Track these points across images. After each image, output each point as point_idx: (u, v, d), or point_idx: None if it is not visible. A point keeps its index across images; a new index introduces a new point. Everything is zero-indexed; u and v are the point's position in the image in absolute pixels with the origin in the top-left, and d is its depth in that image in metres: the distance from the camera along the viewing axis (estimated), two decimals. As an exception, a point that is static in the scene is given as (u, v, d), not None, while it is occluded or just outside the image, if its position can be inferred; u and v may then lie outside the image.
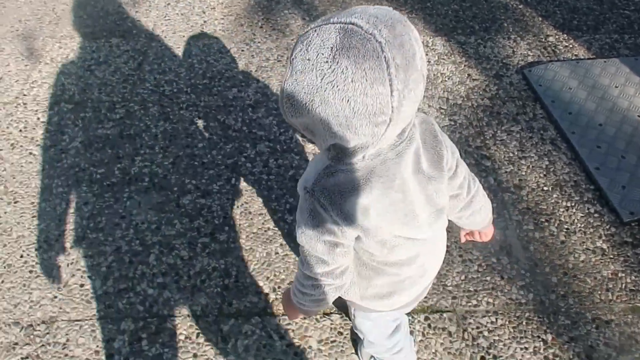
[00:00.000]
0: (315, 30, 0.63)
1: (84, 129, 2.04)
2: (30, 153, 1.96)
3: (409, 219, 0.82)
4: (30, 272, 1.62)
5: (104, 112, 2.10)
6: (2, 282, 1.60)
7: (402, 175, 0.77)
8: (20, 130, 2.04)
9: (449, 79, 2.24)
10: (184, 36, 2.47)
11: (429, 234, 0.88)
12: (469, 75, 2.25)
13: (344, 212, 0.76)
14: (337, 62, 0.60)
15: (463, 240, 1.15)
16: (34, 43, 2.44)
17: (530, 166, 1.87)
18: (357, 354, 1.41)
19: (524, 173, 1.85)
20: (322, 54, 0.61)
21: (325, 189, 0.76)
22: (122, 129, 2.04)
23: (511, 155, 1.91)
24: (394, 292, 0.95)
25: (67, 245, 1.68)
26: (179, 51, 2.39)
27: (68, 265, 1.63)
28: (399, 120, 0.66)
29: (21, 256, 1.66)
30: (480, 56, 2.36)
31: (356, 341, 1.41)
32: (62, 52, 2.39)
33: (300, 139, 1.99)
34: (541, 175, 1.84)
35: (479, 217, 1.03)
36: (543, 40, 2.44)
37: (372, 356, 1.32)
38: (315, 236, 0.80)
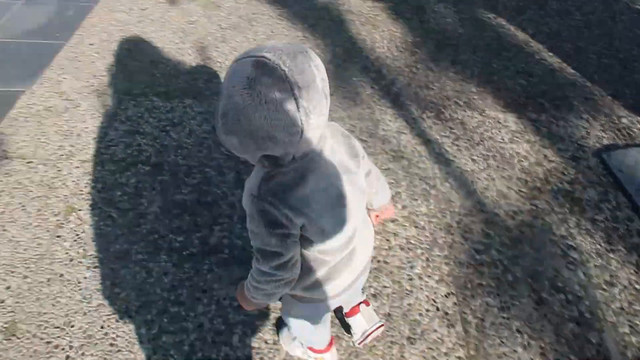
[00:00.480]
0: (237, 63, 0.82)
1: (161, 193, 2.05)
2: (109, 215, 1.96)
3: (340, 200, 0.98)
4: (111, 345, 1.60)
5: (181, 177, 2.12)
6: (83, 354, 1.57)
7: (326, 166, 0.95)
8: (99, 191, 2.05)
9: (525, 159, 2.22)
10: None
11: (358, 217, 1.06)
12: (545, 156, 2.23)
13: (289, 204, 0.92)
14: (253, 88, 0.78)
15: (375, 222, 1.31)
16: (109, 100, 2.49)
17: (620, 261, 1.82)
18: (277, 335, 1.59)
19: (614, 268, 1.80)
20: (242, 82, 0.78)
21: (270, 190, 0.92)
22: (200, 195, 2.05)
23: (598, 247, 1.86)
24: (330, 278, 1.10)
25: (148, 318, 1.66)
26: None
27: (149, 340, 1.61)
28: (310, 129, 0.83)
29: (102, 327, 1.64)
30: (553, 135, 2.34)
31: (279, 326, 1.61)
32: (137, 111, 2.43)
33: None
34: (632, 271, 1.79)
35: (384, 195, 1.26)
36: (616, 121, 2.42)
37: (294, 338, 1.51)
38: (268, 232, 0.94)
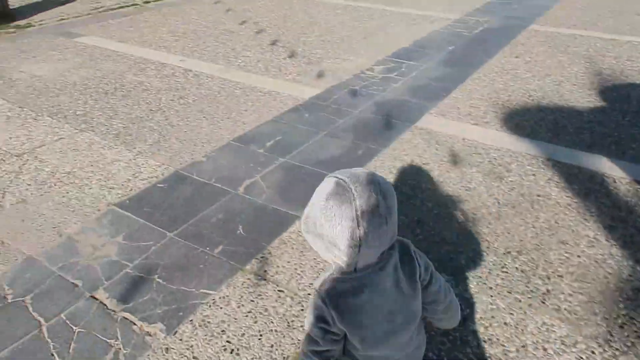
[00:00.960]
0: (326, 179, 1.04)
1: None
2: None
3: (388, 318, 1.13)
4: None
5: None
6: None
7: (384, 284, 1.10)
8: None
9: None
10: (520, 301, 2.16)
11: (404, 335, 1.18)
12: None
13: (339, 309, 1.09)
14: (328, 202, 0.99)
15: None
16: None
17: None
18: None
19: None
20: (322, 196, 1.01)
21: (328, 290, 1.09)
22: None
23: None
24: None
25: None
26: (512, 319, 2.07)
27: None
28: (368, 246, 1.00)
29: None
30: None
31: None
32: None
33: None
34: None
35: (453, 320, 1.33)
36: None
37: None
38: (314, 322, 1.12)
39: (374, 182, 1.00)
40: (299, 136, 3.62)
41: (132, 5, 7.81)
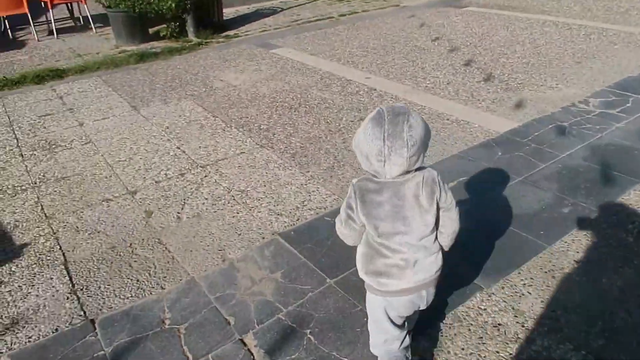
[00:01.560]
0: (376, 110, 1.44)
1: None
2: None
3: (401, 220, 1.48)
4: None
5: None
6: None
7: (404, 193, 1.47)
8: None
9: None
10: None
11: (414, 238, 1.50)
12: None
13: (362, 199, 1.48)
14: (368, 124, 1.41)
15: None
16: (569, 348, 1.90)
17: None
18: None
19: None
20: (367, 120, 1.43)
21: (360, 185, 1.50)
22: None
23: None
24: (384, 274, 1.52)
25: None
26: None
27: None
28: (392, 163, 1.39)
29: None
30: None
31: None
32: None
33: None
34: None
35: (449, 240, 1.63)
36: None
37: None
38: (344, 207, 1.56)
39: (404, 114, 1.38)
40: (487, 179, 3.09)
41: (328, 18, 7.97)
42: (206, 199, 3.06)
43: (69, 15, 7.94)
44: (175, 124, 4.12)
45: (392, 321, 1.61)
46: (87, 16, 7.48)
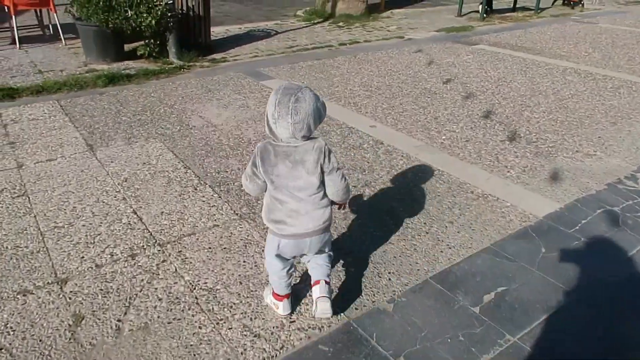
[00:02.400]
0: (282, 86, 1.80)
1: None
2: None
3: (292, 178, 1.82)
4: None
5: None
6: None
7: (294, 157, 1.79)
8: None
9: None
10: None
11: (303, 194, 1.85)
12: None
13: (262, 158, 1.82)
14: (271, 95, 1.76)
15: (336, 208, 2.09)
16: None
17: None
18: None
19: None
20: (272, 93, 1.79)
21: (260, 146, 1.83)
22: None
23: None
24: (280, 222, 1.89)
25: None
26: None
27: None
28: (280, 126, 1.73)
29: None
30: None
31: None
32: None
33: None
34: None
35: (337, 197, 1.95)
36: None
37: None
38: (250, 164, 1.88)
39: (295, 89, 1.74)
40: (535, 292, 2.35)
41: (327, 46, 7.27)
42: (160, 299, 2.25)
43: (37, 22, 7.11)
44: (137, 175, 3.32)
45: (279, 256, 1.99)
46: (57, 25, 6.66)
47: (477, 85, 5.55)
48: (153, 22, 5.74)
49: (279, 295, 2.12)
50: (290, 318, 2.16)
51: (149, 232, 2.72)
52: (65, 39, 6.68)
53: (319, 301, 2.04)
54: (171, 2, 5.94)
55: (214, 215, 2.90)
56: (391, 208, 3.03)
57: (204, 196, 3.09)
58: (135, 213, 2.88)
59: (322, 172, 1.85)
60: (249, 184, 1.94)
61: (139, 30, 5.82)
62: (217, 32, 7.80)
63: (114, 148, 3.70)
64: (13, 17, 6.27)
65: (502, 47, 7.53)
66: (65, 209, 2.89)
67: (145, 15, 5.70)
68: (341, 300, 2.26)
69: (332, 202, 1.98)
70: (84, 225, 2.75)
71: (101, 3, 5.63)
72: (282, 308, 2.12)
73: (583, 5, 11.71)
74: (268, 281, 2.20)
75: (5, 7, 6.35)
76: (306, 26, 8.69)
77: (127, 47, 6.30)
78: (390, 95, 5.13)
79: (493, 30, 8.81)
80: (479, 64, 6.45)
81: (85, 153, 3.61)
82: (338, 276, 2.43)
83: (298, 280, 2.37)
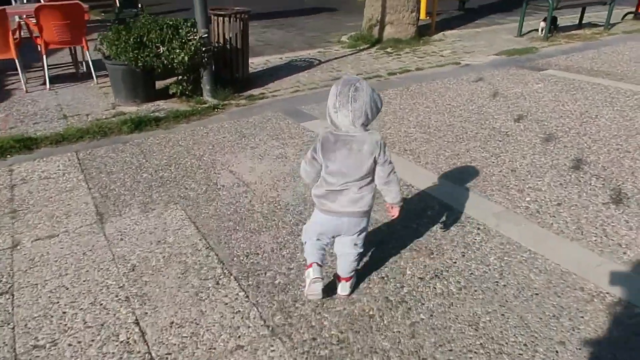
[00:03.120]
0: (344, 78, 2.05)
1: None
2: None
3: (345, 164, 2.02)
4: None
5: None
6: None
7: (351, 146, 1.99)
8: None
9: None
10: None
11: (351, 177, 2.05)
12: None
13: (322, 143, 2.03)
14: (331, 89, 1.99)
15: (388, 208, 2.29)
16: None
17: None
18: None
19: None
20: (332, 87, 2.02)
21: (322, 136, 2.03)
22: None
23: None
24: (323, 197, 2.12)
25: None
26: None
27: None
28: (339, 118, 1.96)
29: None
30: None
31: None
32: None
33: None
34: None
35: (390, 195, 2.18)
36: None
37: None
38: (311, 150, 2.09)
39: (354, 80, 1.96)
40: None
41: (375, 77, 6.57)
42: None
43: (71, 60, 6.79)
44: (148, 260, 2.69)
45: (318, 231, 2.23)
46: (89, 62, 6.29)
47: (557, 123, 4.68)
48: (186, 58, 5.22)
49: (308, 264, 2.28)
50: None
51: (152, 354, 2.05)
52: (97, 77, 6.29)
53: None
54: (206, 35, 5.43)
55: (238, 328, 2.20)
56: (474, 316, 2.25)
57: (226, 295, 2.41)
58: (138, 324, 2.23)
59: (375, 162, 2.06)
60: (307, 166, 2.16)
61: (171, 68, 5.31)
62: (256, 63, 7.27)
63: (127, 219, 3.11)
64: (44, 56, 5.93)
65: (576, 71, 6.59)
66: (52, 317, 2.28)
67: (178, 51, 5.20)
68: None
69: (388, 208, 2.27)
70: (70, 345, 2.11)
71: (131, 40, 5.17)
72: (312, 272, 2.21)
73: (659, 18, 10.53)
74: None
75: (38, 46, 6.04)
76: (351, 53, 8.03)
77: (159, 84, 5.83)
78: (453, 139, 4.35)
79: (561, 52, 7.86)
80: (554, 95, 5.56)
81: (92, 226, 3.03)
82: None
83: None
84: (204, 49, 5.37)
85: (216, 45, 5.90)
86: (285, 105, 5.44)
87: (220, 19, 5.85)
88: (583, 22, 10.07)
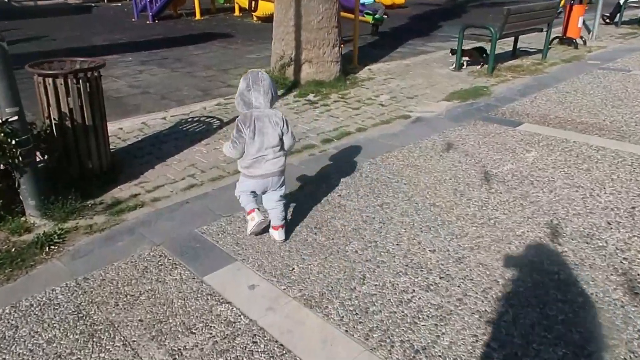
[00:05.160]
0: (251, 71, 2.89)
1: None
2: None
3: (262, 134, 2.77)
4: None
5: None
6: None
7: (263, 120, 2.78)
8: None
9: None
10: None
11: (268, 145, 2.80)
12: None
13: (243, 121, 2.78)
14: (242, 80, 2.83)
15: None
16: None
17: None
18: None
19: None
20: (242, 79, 2.84)
21: (241, 117, 2.82)
22: None
23: None
24: (250, 166, 2.83)
25: None
26: None
27: None
28: (252, 96, 2.77)
29: None
30: None
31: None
32: None
33: None
34: None
35: (289, 149, 3.00)
36: None
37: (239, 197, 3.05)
38: (235, 132, 2.80)
39: (257, 70, 2.79)
40: None
41: (305, 148, 4.57)
42: None
43: None
44: None
45: (250, 190, 2.96)
46: None
47: (614, 237, 3.00)
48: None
49: (249, 210, 3.00)
50: None
51: None
52: None
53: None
54: (15, 118, 3.07)
55: None
56: None
57: None
58: None
59: (282, 132, 2.83)
60: (233, 149, 2.82)
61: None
62: (128, 130, 4.95)
63: None
64: None
65: (558, 125, 5.14)
66: None
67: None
68: None
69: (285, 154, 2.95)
70: None
71: None
72: (256, 216, 2.98)
73: (585, 43, 9.80)
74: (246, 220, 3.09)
75: None
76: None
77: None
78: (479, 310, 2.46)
79: (517, 92, 6.48)
80: (564, 173, 3.96)
81: None
82: None
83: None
84: (13, 141, 3.01)
85: (45, 128, 3.53)
86: (173, 226, 3.25)
87: (50, 81, 3.50)
88: (517, 48, 8.97)
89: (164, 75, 7.67)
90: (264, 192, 2.96)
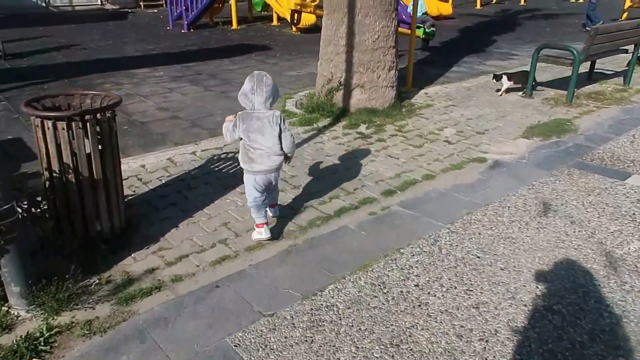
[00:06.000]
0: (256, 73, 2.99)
1: None
2: None
3: (261, 134, 2.93)
4: None
5: None
6: None
7: (263, 120, 2.93)
8: None
9: None
10: None
11: (265, 146, 2.96)
12: None
13: (241, 120, 2.94)
14: (246, 81, 2.94)
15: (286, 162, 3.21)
16: None
17: None
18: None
19: None
20: (247, 79, 2.96)
21: (240, 115, 2.95)
22: None
23: None
24: (251, 161, 2.98)
25: None
26: None
27: None
28: (255, 99, 2.90)
29: None
30: None
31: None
32: None
33: None
34: None
35: (288, 149, 3.07)
36: None
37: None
38: (232, 125, 2.99)
39: (262, 72, 2.91)
40: None
41: (360, 205, 3.66)
42: None
43: None
44: None
45: (256, 189, 3.04)
46: None
47: None
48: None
49: (259, 224, 3.14)
50: None
51: None
52: None
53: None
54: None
55: None
56: None
57: None
58: None
59: (280, 130, 2.97)
60: (228, 135, 3.02)
61: None
62: (150, 169, 4.17)
63: None
64: None
65: None
66: None
67: None
68: None
69: (285, 156, 3.10)
70: None
71: None
72: (264, 232, 3.14)
73: (671, 65, 8.60)
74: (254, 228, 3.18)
75: None
76: (308, 138, 5.12)
77: None
78: None
79: (607, 128, 5.46)
80: None
81: None
82: None
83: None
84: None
85: (43, 181, 2.75)
86: (198, 329, 2.42)
87: (49, 124, 2.72)
88: (594, 70, 7.87)
89: (197, 94, 6.92)
90: (267, 191, 3.16)
